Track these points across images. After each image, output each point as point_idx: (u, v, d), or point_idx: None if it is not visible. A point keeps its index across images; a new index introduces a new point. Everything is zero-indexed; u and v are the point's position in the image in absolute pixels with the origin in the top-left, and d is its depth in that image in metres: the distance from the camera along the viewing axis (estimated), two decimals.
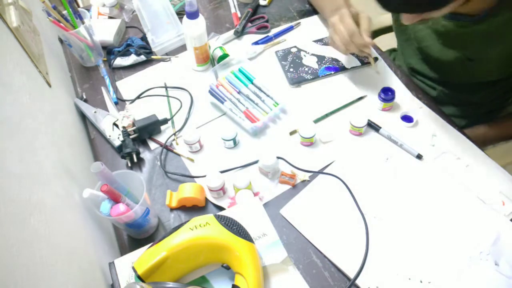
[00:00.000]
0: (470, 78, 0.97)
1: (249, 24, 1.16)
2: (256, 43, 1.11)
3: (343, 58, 1.05)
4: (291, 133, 0.93)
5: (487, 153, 0.86)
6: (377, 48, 1.08)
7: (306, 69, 1.04)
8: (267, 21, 1.16)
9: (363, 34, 0.90)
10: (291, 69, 1.04)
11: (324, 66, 1.04)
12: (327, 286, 0.72)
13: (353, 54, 1.04)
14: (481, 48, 0.88)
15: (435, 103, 0.96)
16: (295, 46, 1.09)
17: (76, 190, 0.74)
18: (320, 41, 1.10)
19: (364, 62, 1.03)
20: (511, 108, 1.11)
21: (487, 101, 1.07)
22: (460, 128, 0.91)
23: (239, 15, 1.19)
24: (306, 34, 1.12)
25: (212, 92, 0.99)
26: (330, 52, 1.07)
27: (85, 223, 0.72)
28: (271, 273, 0.71)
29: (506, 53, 0.86)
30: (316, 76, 1.02)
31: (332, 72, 1.03)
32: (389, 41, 1.32)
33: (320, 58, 1.06)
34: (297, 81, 1.02)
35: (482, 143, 0.92)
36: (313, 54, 1.07)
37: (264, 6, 1.21)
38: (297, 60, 1.06)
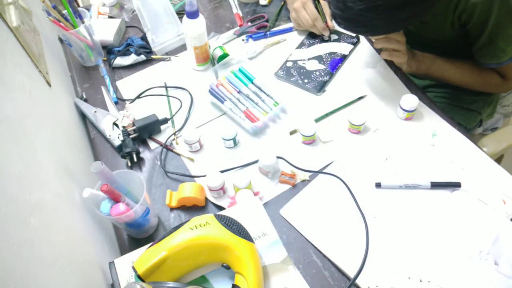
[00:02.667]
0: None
1: (249, 24, 1.16)
2: (250, 36, 1.12)
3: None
4: (291, 132, 0.93)
5: (481, 147, 0.87)
6: (377, 48, 1.08)
7: (317, 73, 1.02)
8: (267, 21, 1.16)
9: (328, 19, 1.05)
10: (305, 80, 1.01)
11: (328, 62, 1.04)
12: (327, 285, 0.72)
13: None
14: None
15: (435, 104, 0.96)
16: (287, 61, 1.06)
17: (76, 190, 0.74)
18: (303, 45, 1.09)
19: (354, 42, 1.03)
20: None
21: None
22: (460, 127, 0.91)
23: (241, 14, 1.19)
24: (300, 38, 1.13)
25: (212, 92, 0.99)
26: (323, 49, 1.07)
27: (85, 223, 0.72)
28: (271, 273, 0.71)
29: None
30: (331, 74, 1.02)
31: (340, 64, 1.03)
32: None
33: (319, 58, 1.06)
34: (320, 87, 0.99)
35: (425, 68, 0.98)
36: (310, 59, 1.06)
37: (264, 6, 1.21)
38: (302, 70, 1.03)
